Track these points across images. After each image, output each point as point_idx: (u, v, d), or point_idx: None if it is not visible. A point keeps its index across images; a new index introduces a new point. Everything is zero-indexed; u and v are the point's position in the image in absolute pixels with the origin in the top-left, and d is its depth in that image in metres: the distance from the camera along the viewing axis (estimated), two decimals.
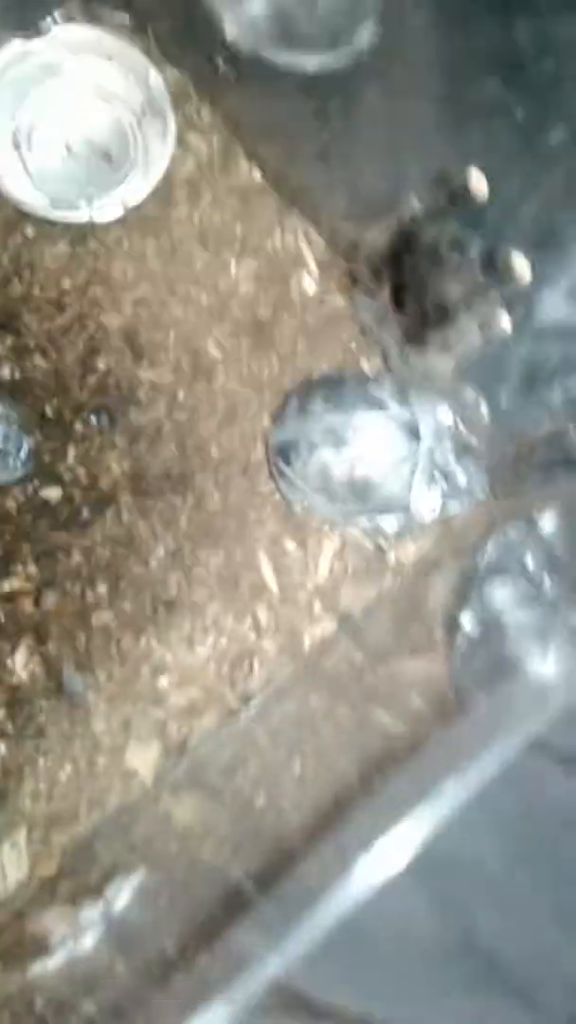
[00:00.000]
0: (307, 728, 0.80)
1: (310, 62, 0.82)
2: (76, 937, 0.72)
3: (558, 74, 0.73)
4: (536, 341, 0.79)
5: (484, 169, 0.74)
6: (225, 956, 0.60)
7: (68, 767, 0.75)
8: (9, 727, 0.74)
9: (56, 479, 0.77)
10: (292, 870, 0.67)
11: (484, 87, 0.76)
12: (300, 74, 0.82)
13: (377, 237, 0.78)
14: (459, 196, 0.72)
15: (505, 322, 0.72)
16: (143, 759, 0.77)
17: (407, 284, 0.77)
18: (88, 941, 0.71)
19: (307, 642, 0.81)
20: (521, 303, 0.74)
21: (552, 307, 0.78)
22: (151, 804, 0.77)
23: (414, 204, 0.76)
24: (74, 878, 0.76)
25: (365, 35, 0.83)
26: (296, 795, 0.76)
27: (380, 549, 0.82)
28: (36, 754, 0.74)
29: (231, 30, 0.81)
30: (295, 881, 0.65)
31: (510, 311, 0.74)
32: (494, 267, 0.69)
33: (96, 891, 0.74)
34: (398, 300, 0.78)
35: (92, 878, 0.76)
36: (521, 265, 0.66)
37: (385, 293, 0.78)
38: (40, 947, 0.73)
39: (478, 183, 0.71)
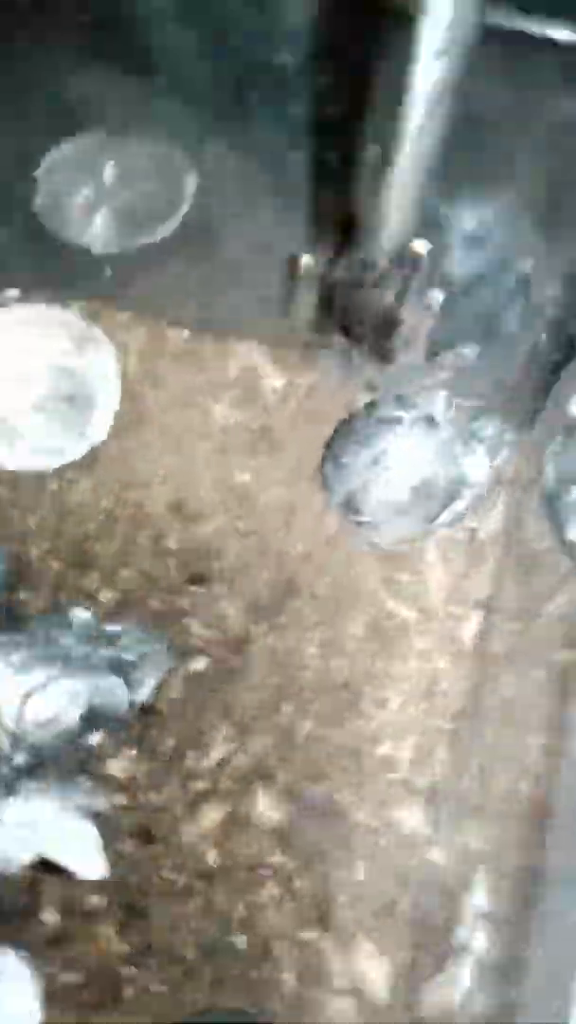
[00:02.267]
0: (519, 706, 0.83)
1: (156, 233, 0.92)
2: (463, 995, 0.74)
3: None
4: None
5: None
6: None
7: (359, 864, 0.78)
8: (291, 865, 0.77)
9: (195, 651, 0.82)
10: None
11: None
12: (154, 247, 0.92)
13: (303, 309, 0.85)
14: (348, 230, 0.79)
15: (437, 297, 0.78)
16: (412, 818, 0.80)
17: (351, 322, 0.83)
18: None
19: (467, 642, 0.84)
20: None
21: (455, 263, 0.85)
22: (448, 847, 0.79)
23: (310, 265, 0.83)
24: (427, 948, 0.77)
25: (189, 187, 0.92)
26: (548, 763, 0.79)
27: (469, 531, 0.87)
28: (330, 868, 0.77)
29: (96, 244, 0.91)
30: None
31: (435, 286, 0.80)
32: (403, 262, 0.76)
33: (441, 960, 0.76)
34: (352, 337, 0.84)
35: (440, 941, 0.77)
36: (419, 245, 0.73)
37: (339, 341, 0.85)
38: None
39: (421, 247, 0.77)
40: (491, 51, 0.61)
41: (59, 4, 0.78)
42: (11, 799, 0.46)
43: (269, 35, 0.73)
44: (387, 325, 0.79)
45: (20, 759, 0.45)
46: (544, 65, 0.68)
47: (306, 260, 0.79)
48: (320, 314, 0.86)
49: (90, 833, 0.45)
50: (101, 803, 0.50)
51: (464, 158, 0.81)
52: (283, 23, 0.72)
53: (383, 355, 0.83)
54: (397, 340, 0.80)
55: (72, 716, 0.48)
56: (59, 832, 0.45)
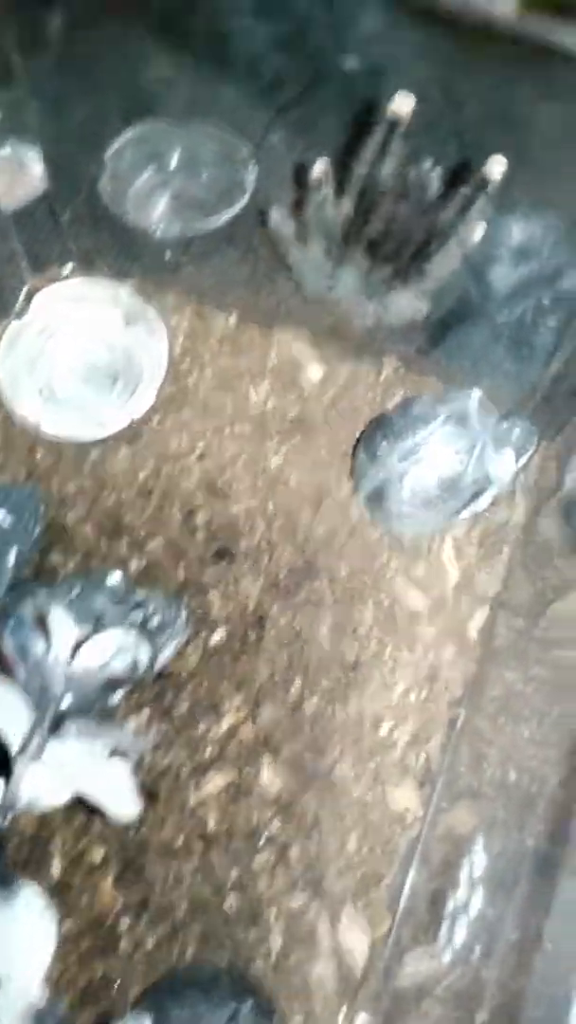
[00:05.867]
0: (516, 699, 0.81)
1: (214, 222, 0.89)
2: (439, 968, 0.72)
3: None
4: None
5: None
6: None
7: (352, 836, 0.76)
8: (292, 832, 0.75)
9: (214, 623, 0.80)
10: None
11: None
12: (210, 234, 0.89)
13: (337, 209, 0.78)
14: (390, 130, 0.70)
15: (480, 230, 0.72)
16: (405, 798, 0.78)
17: (387, 233, 0.76)
18: (447, 959, 0.71)
19: (473, 635, 0.82)
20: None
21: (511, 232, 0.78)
22: (432, 829, 0.77)
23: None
24: (408, 921, 0.76)
25: (250, 179, 0.90)
26: (538, 753, 0.77)
27: (486, 529, 0.84)
28: (325, 838, 0.75)
29: (156, 227, 0.88)
30: None
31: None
32: (467, 180, 0.69)
33: (429, 924, 0.74)
34: (376, 255, 0.78)
35: (420, 916, 0.76)
36: (498, 162, 0.67)
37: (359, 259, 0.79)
38: (419, 992, 0.73)
39: (403, 104, 0.66)
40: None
41: None
42: (54, 740, 0.44)
43: (342, 38, 0.69)
44: (437, 245, 0.73)
45: (67, 703, 0.43)
46: None
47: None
48: (354, 221, 0.77)
49: (125, 775, 0.44)
50: (142, 745, 0.48)
51: (520, 174, 0.77)
52: (356, 28, 0.68)
53: (407, 274, 0.77)
54: (429, 266, 0.75)
55: (119, 666, 0.46)
56: (96, 773, 0.43)
